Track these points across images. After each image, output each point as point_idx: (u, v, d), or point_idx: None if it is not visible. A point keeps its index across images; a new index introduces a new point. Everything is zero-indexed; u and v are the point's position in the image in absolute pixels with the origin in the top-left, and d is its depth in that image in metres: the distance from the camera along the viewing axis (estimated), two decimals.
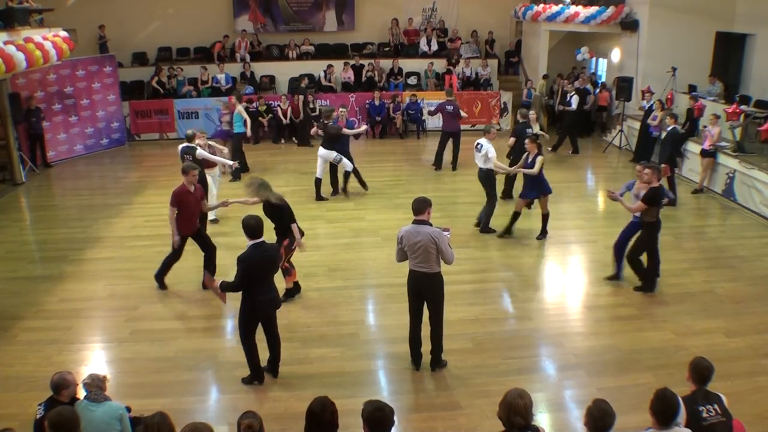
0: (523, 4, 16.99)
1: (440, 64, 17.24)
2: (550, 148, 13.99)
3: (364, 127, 11.46)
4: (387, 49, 17.84)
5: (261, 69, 16.88)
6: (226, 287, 5.52)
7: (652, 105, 12.97)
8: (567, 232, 9.56)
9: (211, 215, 9.28)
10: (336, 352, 6.35)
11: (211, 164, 9.50)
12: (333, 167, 11.23)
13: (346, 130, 11.17)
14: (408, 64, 17.30)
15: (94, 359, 6.33)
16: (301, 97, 15.42)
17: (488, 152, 9.13)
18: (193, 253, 7.81)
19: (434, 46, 17.63)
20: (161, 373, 6.03)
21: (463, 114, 12.90)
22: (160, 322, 7.02)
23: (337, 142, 10.86)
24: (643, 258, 7.55)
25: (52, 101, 14.03)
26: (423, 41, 17.68)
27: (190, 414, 5.33)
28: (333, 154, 10.81)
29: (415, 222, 5.60)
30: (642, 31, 14.49)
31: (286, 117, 15.52)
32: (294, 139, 15.63)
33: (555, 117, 16.04)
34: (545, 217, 9.20)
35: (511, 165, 9.93)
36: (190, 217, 7.40)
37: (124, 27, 16.55)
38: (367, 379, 5.96)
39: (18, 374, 5.98)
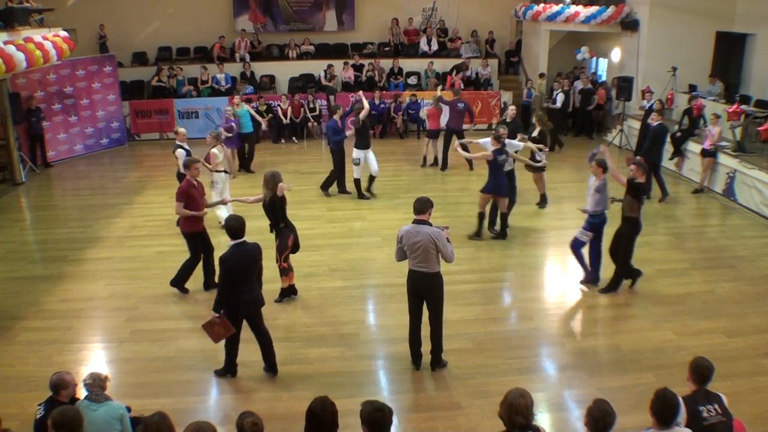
0: (523, 3, 16.98)
1: (440, 64, 17.25)
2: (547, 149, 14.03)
3: (365, 105, 11.42)
4: (387, 49, 17.84)
5: (261, 69, 16.88)
6: (217, 303, 5.52)
7: (652, 105, 12.97)
8: (567, 232, 9.51)
9: (221, 215, 9.31)
10: (336, 352, 6.35)
11: (215, 167, 9.48)
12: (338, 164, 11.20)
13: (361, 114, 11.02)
14: (408, 64, 17.30)
15: (94, 359, 6.33)
16: (332, 97, 15.51)
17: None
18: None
19: (434, 46, 17.63)
20: (161, 373, 6.03)
21: (473, 111, 13.40)
22: (160, 322, 7.02)
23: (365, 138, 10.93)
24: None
25: (52, 101, 14.03)
26: (423, 41, 17.69)
27: (190, 414, 5.33)
28: (356, 154, 10.91)
29: (416, 222, 5.60)
30: (642, 30, 14.49)
31: (286, 117, 15.53)
32: (294, 139, 15.64)
33: (562, 118, 16.02)
34: (504, 216, 9.23)
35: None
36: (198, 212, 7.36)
37: (124, 27, 16.56)
38: (367, 379, 5.96)
39: (18, 374, 5.98)
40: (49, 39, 11.26)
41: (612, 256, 7.57)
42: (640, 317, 7.05)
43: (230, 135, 11.68)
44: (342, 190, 11.32)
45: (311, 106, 15.69)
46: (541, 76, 16.28)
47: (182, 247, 7.70)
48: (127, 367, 6.13)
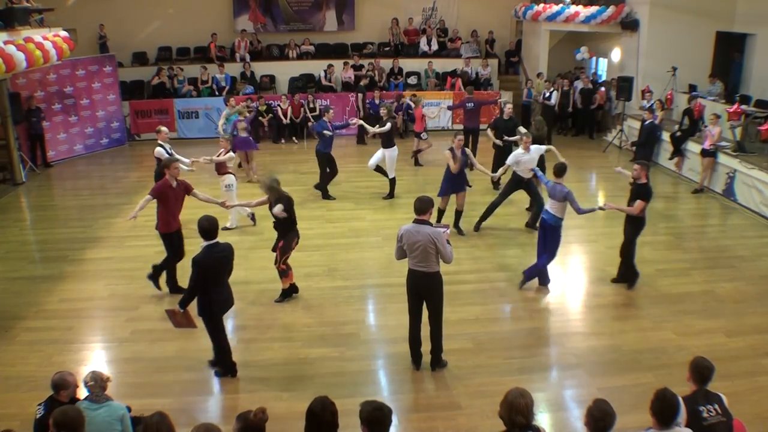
0: (523, 3, 16.99)
1: (440, 64, 17.25)
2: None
3: (353, 120, 11.93)
4: (387, 49, 17.84)
5: (261, 69, 16.88)
6: (184, 300, 5.55)
7: (652, 104, 12.98)
8: (567, 232, 9.49)
9: (228, 223, 9.45)
10: (336, 352, 6.35)
11: (225, 170, 9.52)
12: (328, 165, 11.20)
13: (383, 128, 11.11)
14: (408, 64, 17.31)
15: (94, 359, 6.33)
16: (361, 95, 15.55)
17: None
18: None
19: (434, 46, 17.64)
20: (161, 373, 6.03)
21: (490, 100, 14.07)
22: (160, 322, 6.97)
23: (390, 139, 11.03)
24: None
25: (52, 101, 14.03)
26: (423, 41, 17.69)
27: (190, 414, 5.35)
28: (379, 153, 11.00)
29: (416, 221, 5.60)
30: (642, 30, 14.49)
31: (286, 117, 15.53)
32: (294, 139, 15.64)
33: (556, 117, 16.03)
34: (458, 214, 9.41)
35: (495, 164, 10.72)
36: (170, 213, 7.25)
37: (124, 27, 16.56)
38: (367, 379, 5.96)
39: (18, 374, 5.98)
40: (49, 39, 11.25)
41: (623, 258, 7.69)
42: (640, 317, 7.05)
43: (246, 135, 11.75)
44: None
45: (311, 106, 15.68)
46: (539, 75, 16.29)
47: None
48: (127, 367, 6.13)
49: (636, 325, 6.87)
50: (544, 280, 7.73)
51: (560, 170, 7.39)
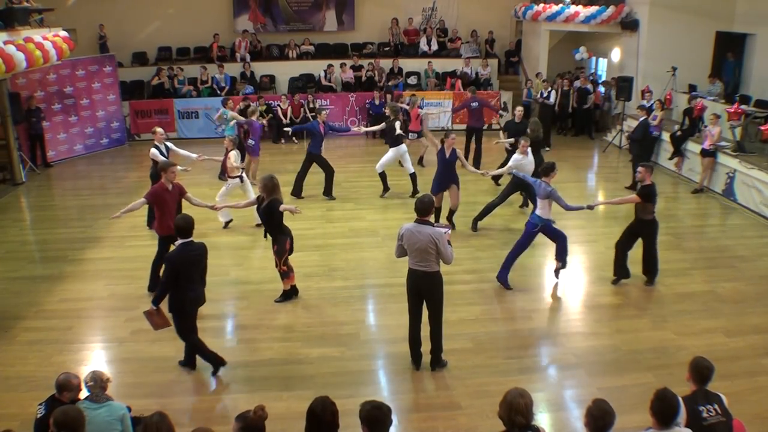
0: (523, 3, 16.98)
1: (440, 64, 17.25)
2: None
3: (356, 128, 12.12)
4: (387, 49, 17.84)
5: (261, 69, 16.88)
6: (157, 297, 5.62)
7: (652, 105, 12.98)
8: (567, 232, 9.49)
9: (221, 217, 9.34)
10: (336, 352, 6.35)
11: (233, 174, 9.50)
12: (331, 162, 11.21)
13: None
14: (408, 64, 17.31)
15: (94, 359, 6.33)
16: (388, 96, 15.58)
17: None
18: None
19: (434, 46, 17.64)
20: (161, 373, 6.03)
21: (493, 105, 14.03)
22: None
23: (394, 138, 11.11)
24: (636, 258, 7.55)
25: (52, 101, 14.03)
26: (423, 41, 17.69)
27: (190, 414, 5.35)
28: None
29: (418, 221, 5.60)
30: (642, 30, 14.49)
31: (286, 117, 15.52)
32: (294, 139, 15.63)
33: (555, 116, 16.03)
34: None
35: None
36: (167, 216, 7.18)
37: (124, 27, 16.56)
38: (367, 379, 5.96)
39: (18, 374, 5.98)
40: (49, 39, 11.25)
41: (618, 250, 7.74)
42: (640, 317, 7.05)
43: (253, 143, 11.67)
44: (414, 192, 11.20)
45: (311, 106, 15.67)
46: (537, 75, 16.29)
47: None
48: (127, 367, 6.12)
49: (636, 325, 6.87)
50: (562, 257, 7.81)
51: (546, 170, 7.47)
